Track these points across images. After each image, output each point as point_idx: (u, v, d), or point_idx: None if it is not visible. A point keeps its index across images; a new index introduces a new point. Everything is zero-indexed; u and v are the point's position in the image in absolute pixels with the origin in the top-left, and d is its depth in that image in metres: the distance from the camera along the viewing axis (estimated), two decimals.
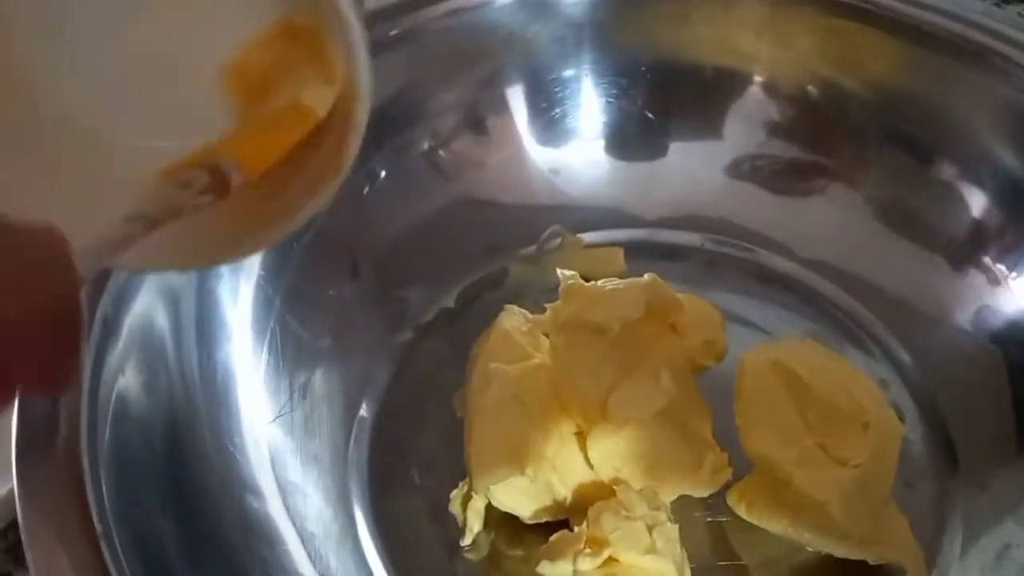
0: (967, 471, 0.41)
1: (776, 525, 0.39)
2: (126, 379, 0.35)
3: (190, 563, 0.33)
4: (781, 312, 0.49)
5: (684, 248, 0.51)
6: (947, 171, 0.46)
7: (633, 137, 0.52)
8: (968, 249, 0.45)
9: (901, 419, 0.42)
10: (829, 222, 0.49)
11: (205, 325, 0.40)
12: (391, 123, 0.47)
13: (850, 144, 0.49)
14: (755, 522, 0.40)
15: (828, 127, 0.49)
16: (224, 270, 0.41)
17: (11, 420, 0.32)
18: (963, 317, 0.44)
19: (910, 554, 0.37)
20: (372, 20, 0.44)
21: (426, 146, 0.49)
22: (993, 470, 0.41)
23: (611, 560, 0.35)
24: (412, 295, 0.49)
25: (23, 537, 0.29)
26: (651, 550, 0.35)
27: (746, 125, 0.51)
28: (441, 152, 0.50)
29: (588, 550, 0.35)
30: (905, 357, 0.46)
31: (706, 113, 0.52)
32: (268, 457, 0.40)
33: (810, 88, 0.49)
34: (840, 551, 0.38)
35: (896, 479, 0.38)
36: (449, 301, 0.49)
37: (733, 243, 0.51)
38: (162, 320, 0.37)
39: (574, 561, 0.35)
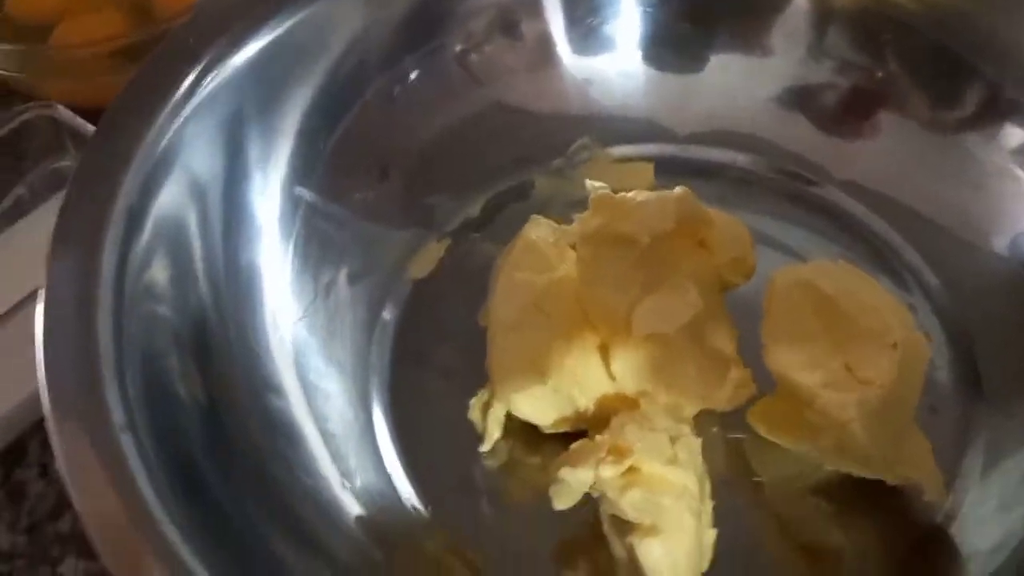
0: (992, 399, 0.41)
1: (796, 443, 0.39)
2: (152, 272, 0.35)
3: (213, 457, 0.34)
4: (812, 235, 0.48)
5: (716, 166, 0.50)
6: (993, 92, 0.44)
7: (671, 48, 0.51)
8: (1011, 175, 0.44)
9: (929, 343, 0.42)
10: (867, 144, 0.48)
11: (232, 221, 0.40)
12: (424, 22, 0.46)
13: (899, 65, 0.48)
14: (775, 440, 0.40)
15: (877, 45, 0.48)
16: (253, 166, 0.40)
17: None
18: (999, 243, 0.43)
19: (930, 475, 0.37)
20: None
21: (458, 48, 0.48)
22: (1019, 399, 0.40)
23: (633, 469, 0.35)
24: (438, 202, 0.48)
25: (48, 428, 0.30)
26: (673, 461, 0.35)
27: (790, 41, 0.49)
28: (473, 55, 0.48)
29: (610, 458, 0.35)
30: (936, 282, 0.45)
31: (749, 26, 0.50)
32: (292, 357, 0.40)
33: (858, 1, 0.48)
34: (860, 470, 0.38)
35: (921, 404, 0.38)
36: (474, 210, 0.49)
37: (767, 163, 0.50)
38: (189, 214, 0.37)
39: (596, 468, 0.35)
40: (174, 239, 0.37)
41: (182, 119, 0.38)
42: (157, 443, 0.31)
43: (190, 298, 0.37)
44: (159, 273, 0.35)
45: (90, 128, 0.48)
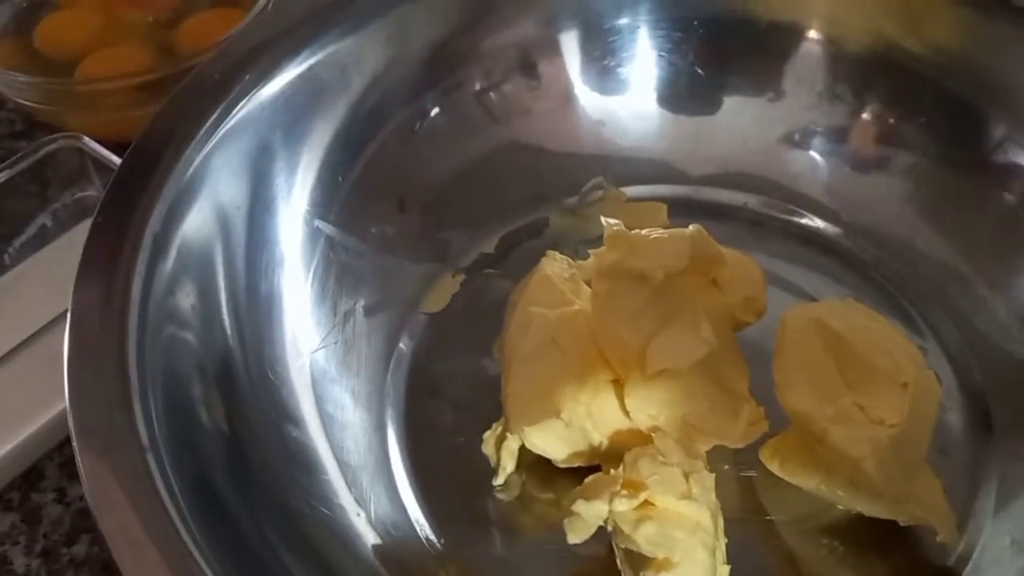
0: (1002, 442, 0.41)
1: (808, 482, 0.39)
2: (176, 298, 0.36)
3: (233, 482, 0.34)
4: (823, 276, 0.48)
5: (728, 207, 0.51)
6: (1002, 138, 0.45)
7: (685, 91, 0.52)
8: (1020, 218, 0.44)
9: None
10: (879, 188, 0.49)
11: (255, 250, 0.40)
12: (446, 61, 0.47)
13: (909, 109, 0.48)
14: (787, 478, 0.40)
15: (887, 90, 0.49)
16: (276, 197, 0.41)
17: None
18: (1009, 286, 0.44)
19: (942, 516, 0.37)
20: None
21: (478, 86, 0.49)
22: None
23: (647, 503, 0.35)
24: (454, 237, 0.49)
25: (74, 448, 0.30)
26: (687, 496, 0.35)
27: (802, 85, 0.50)
28: (492, 94, 0.50)
29: (624, 492, 0.35)
30: (946, 326, 0.45)
31: (761, 70, 0.51)
32: (310, 386, 0.40)
33: (869, 47, 0.49)
34: (872, 510, 0.38)
35: (932, 446, 0.38)
36: (489, 247, 0.50)
37: (778, 204, 0.51)
38: (214, 242, 0.38)
39: (610, 501, 0.35)
40: (198, 266, 0.37)
41: (208, 149, 0.38)
42: (179, 465, 0.31)
43: (213, 325, 0.37)
44: (183, 299, 0.36)
45: (115, 159, 0.49)
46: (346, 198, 0.45)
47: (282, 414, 0.39)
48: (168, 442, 0.31)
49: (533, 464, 0.41)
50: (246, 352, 0.38)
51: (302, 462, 0.38)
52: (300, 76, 0.43)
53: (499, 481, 0.41)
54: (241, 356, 0.38)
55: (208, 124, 0.39)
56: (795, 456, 0.39)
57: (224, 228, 0.39)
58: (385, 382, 0.44)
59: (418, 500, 0.41)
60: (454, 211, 0.49)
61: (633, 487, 0.36)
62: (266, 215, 0.41)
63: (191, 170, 0.38)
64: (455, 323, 0.47)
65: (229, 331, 0.38)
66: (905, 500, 0.37)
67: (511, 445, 0.41)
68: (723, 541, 0.36)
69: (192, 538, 0.28)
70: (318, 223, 0.44)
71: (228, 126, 0.39)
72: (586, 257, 0.43)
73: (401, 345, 0.45)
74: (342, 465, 0.39)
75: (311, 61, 0.44)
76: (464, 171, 0.48)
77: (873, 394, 0.38)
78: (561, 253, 0.45)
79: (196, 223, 0.37)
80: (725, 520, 0.38)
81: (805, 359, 0.39)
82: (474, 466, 0.41)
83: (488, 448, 0.42)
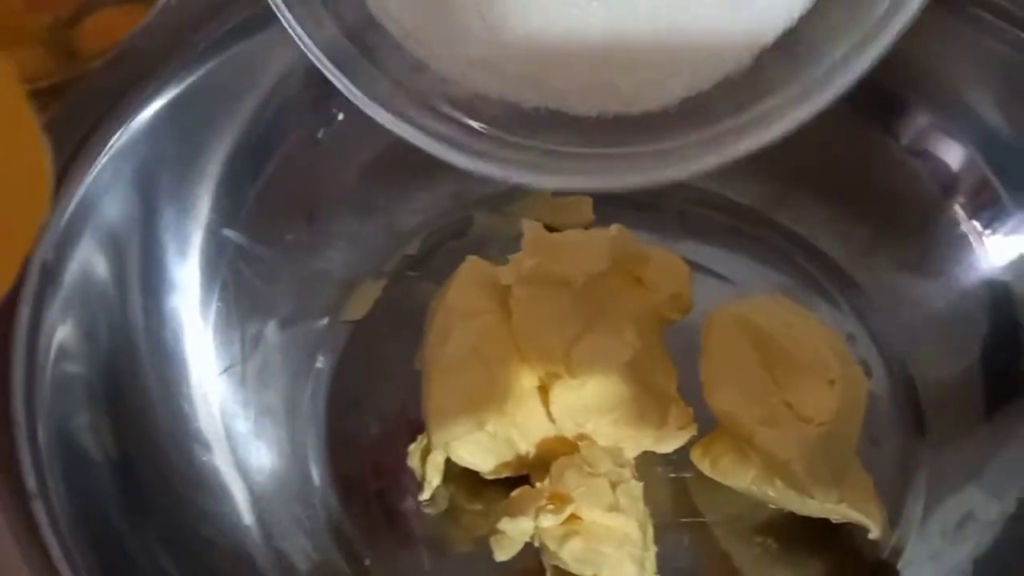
0: (934, 431, 0.41)
1: (739, 482, 0.39)
2: (66, 330, 0.34)
3: (128, 516, 0.33)
4: (751, 264, 0.47)
5: (654, 197, 0.50)
6: (924, 124, 0.44)
7: None
8: (943, 204, 0.44)
9: (868, 375, 0.42)
10: (802, 173, 0.48)
11: (151, 274, 0.38)
12: None
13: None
14: (718, 479, 0.39)
15: None
16: (172, 215, 0.39)
17: None
18: (935, 274, 0.43)
19: (873, 513, 0.37)
20: None
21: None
22: (960, 432, 0.40)
23: (573, 517, 0.35)
24: (372, 242, 0.47)
25: None
26: (614, 507, 0.35)
27: None
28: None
29: (550, 506, 0.35)
30: (875, 312, 0.45)
31: None
32: (218, 409, 0.39)
33: None
34: (803, 509, 0.38)
35: (862, 436, 0.38)
36: (412, 248, 0.48)
37: (705, 192, 0.49)
38: (106, 270, 0.36)
39: (535, 518, 0.34)
40: (90, 296, 0.35)
41: (96, 172, 0.36)
42: (70, 506, 0.30)
43: (104, 353, 0.35)
44: (74, 331, 0.34)
45: None
46: (253, 206, 0.43)
47: (190, 437, 0.38)
48: (59, 483, 0.30)
49: (460, 476, 0.40)
50: (146, 377, 0.37)
51: (208, 487, 0.36)
52: (202, 78, 0.41)
53: (425, 496, 0.40)
54: (139, 382, 0.36)
55: (95, 143, 0.36)
56: (725, 456, 0.39)
57: (117, 252, 0.37)
58: (304, 396, 0.43)
59: (341, 518, 0.40)
60: (371, 215, 0.47)
61: (559, 500, 0.35)
62: (164, 234, 0.39)
63: (79, 195, 0.36)
64: (377, 331, 0.45)
65: (124, 358, 0.36)
66: (836, 500, 0.37)
67: (436, 458, 0.40)
68: (652, 551, 0.36)
69: None
70: (227, 232, 0.42)
71: (120, 142, 0.37)
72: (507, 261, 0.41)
73: (320, 356, 0.44)
74: (254, 490, 0.38)
75: (214, 62, 0.41)
76: (378, 173, 0.46)
77: (801, 392, 0.37)
78: (487, 252, 0.43)
79: (87, 250, 0.35)
80: (658, 523, 0.37)
81: (732, 358, 0.38)
82: (399, 480, 0.40)
83: (413, 462, 0.40)
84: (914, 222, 0.45)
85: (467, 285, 0.41)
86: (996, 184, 0.41)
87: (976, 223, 0.42)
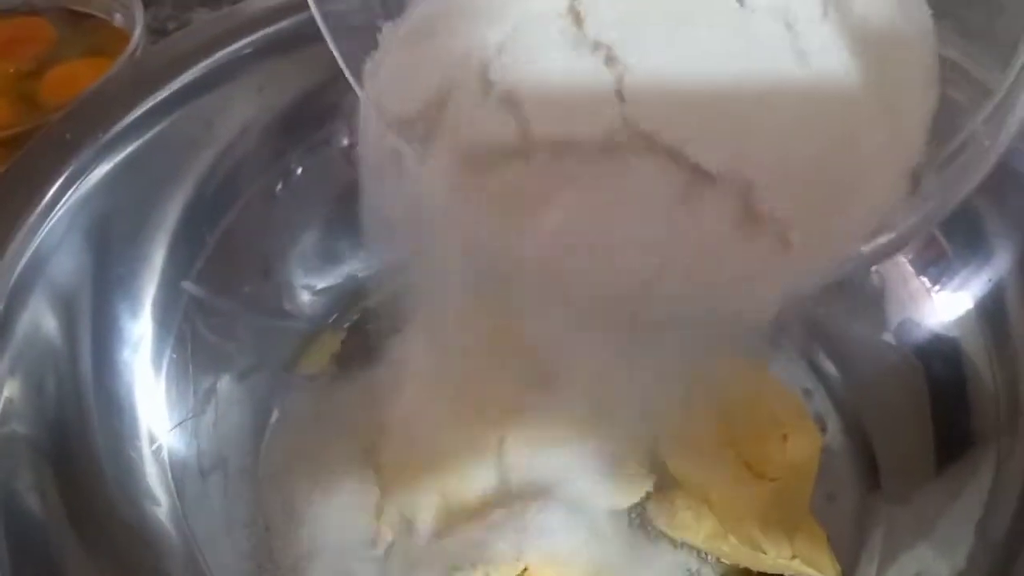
0: (889, 486, 0.41)
1: (695, 538, 0.38)
2: (14, 385, 0.33)
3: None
4: None
5: None
6: None
7: None
8: (895, 261, 0.44)
9: (823, 430, 0.42)
10: None
11: (102, 328, 0.38)
12: (309, 118, 0.45)
13: None
14: (674, 535, 0.39)
15: None
16: (124, 272, 0.39)
17: None
18: (887, 329, 0.44)
19: (827, 569, 0.37)
20: (286, 14, 0.42)
21: (345, 142, 0.47)
22: (913, 486, 0.40)
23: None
24: (330, 295, 0.47)
25: None
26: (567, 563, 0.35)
27: None
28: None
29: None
30: (829, 368, 0.45)
31: None
32: (167, 464, 0.38)
33: None
34: (757, 565, 0.38)
35: (818, 490, 0.38)
36: (370, 302, 0.48)
37: None
38: (53, 324, 0.35)
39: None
40: (39, 350, 0.35)
41: (47, 229, 0.36)
42: (12, 565, 0.29)
43: (52, 410, 0.35)
44: (22, 386, 0.33)
45: None
46: (212, 257, 0.42)
47: (140, 493, 0.37)
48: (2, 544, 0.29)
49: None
50: (93, 434, 0.36)
51: (154, 543, 0.36)
52: (161, 131, 0.41)
53: (378, 550, 0.39)
54: (86, 438, 0.36)
55: (51, 195, 0.36)
56: (681, 513, 0.39)
57: (67, 308, 0.36)
58: (259, 451, 0.42)
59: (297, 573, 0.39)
60: (330, 267, 0.47)
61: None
62: (118, 287, 0.38)
63: (28, 254, 0.35)
64: (333, 384, 0.45)
65: (71, 415, 0.35)
66: (789, 556, 0.37)
67: (390, 515, 0.39)
68: None
69: None
70: (184, 284, 0.41)
71: (76, 195, 0.37)
72: None
73: (275, 411, 0.43)
74: (203, 545, 0.37)
75: (174, 115, 0.41)
76: (335, 227, 0.46)
77: (755, 447, 0.37)
78: None
79: (37, 307, 0.35)
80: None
81: (686, 416, 0.38)
82: (355, 534, 0.40)
83: (367, 518, 0.40)
84: (864, 280, 0.46)
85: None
86: (942, 241, 0.42)
87: (924, 279, 0.43)
